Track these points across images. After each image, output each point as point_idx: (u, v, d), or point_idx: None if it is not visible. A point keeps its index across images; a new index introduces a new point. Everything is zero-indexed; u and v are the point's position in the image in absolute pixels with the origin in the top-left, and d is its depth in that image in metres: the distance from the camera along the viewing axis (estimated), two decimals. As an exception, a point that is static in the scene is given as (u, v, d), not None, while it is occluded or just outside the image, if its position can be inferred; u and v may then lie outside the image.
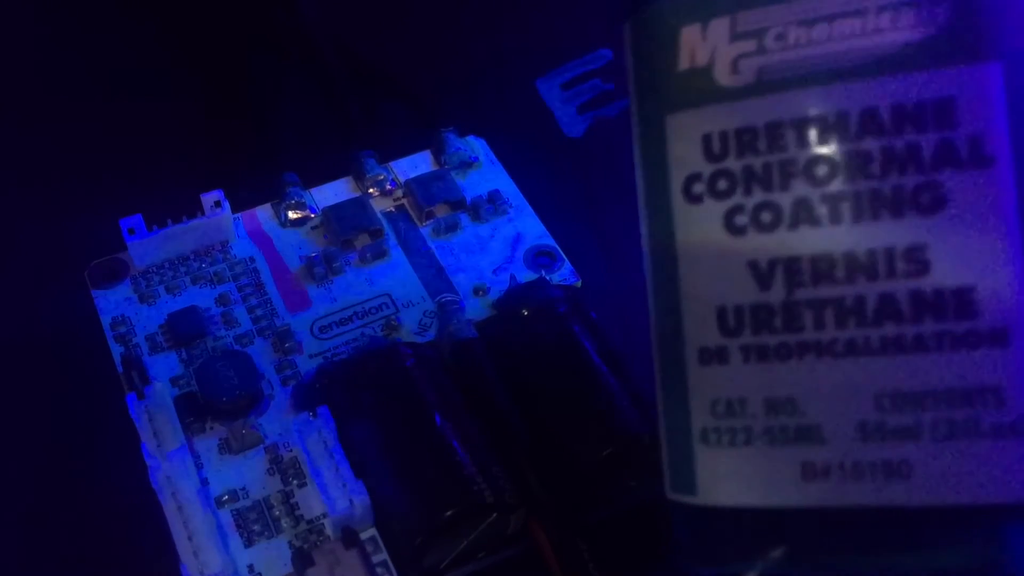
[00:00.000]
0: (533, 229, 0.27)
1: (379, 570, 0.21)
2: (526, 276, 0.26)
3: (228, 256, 0.26)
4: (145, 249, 0.26)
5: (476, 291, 0.26)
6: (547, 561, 0.21)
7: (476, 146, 0.29)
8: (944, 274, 0.15)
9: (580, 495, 0.22)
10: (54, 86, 0.32)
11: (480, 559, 0.22)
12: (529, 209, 0.27)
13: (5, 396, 0.26)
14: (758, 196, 0.16)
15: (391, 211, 0.27)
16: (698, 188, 0.17)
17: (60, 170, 0.30)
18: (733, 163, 0.16)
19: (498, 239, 0.27)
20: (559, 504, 0.21)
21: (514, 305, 0.25)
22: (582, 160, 0.31)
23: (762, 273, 0.16)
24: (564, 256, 0.26)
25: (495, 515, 0.21)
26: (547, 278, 0.26)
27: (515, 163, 0.28)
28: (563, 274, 0.26)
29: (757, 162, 0.16)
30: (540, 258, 0.26)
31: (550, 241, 0.27)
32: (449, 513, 0.21)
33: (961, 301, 0.15)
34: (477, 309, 0.25)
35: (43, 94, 0.32)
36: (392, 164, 0.28)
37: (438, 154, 0.28)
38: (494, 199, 0.27)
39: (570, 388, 0.23)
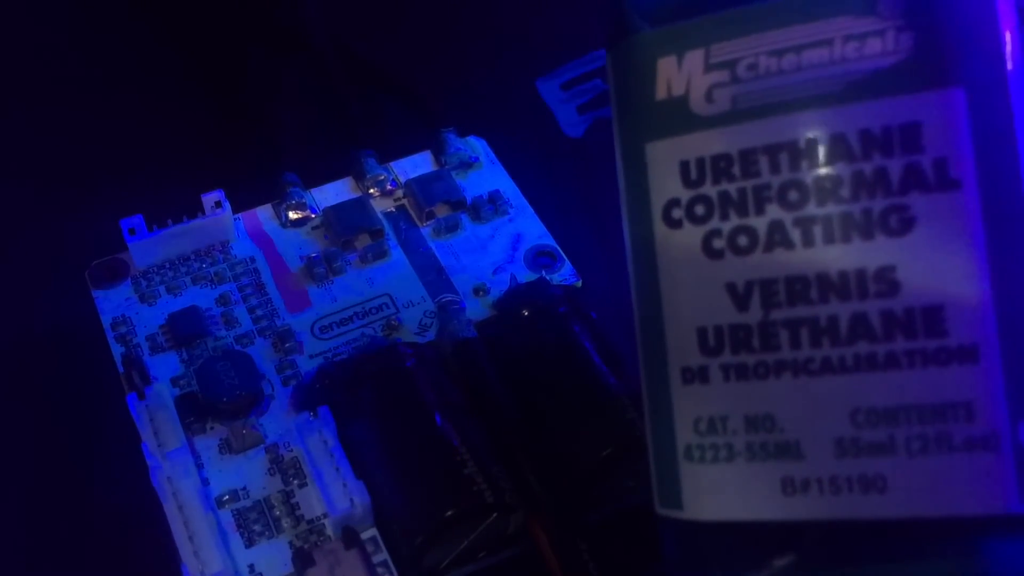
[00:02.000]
0: (533, 229, 0.27)
1: (379, 570, 0.21)
2: (526, 276, 0.26)
3: (229, 256, 0.26)
4: (146, 249, 0.26)
5: (476, 291, 0.26)
6: (547, 561, 0.21)
7: (476, 146, 0.29)
8: (914, 293, 0.16)
9: (580, 495, 0.22)
10: (55, 87, 0.32)
11: (480, 559, 0.22)
12: (529, 209, 0.27)
13: (5, 396, 0.26)
14: (734, 220, 0.17)
15: (391, 211, 0.27)
16: (677, 213, 0.17)
17: (61, 170, 0.30)
18: (710, 189, 0.17)
19: (498, 239, 0.27)
20: (559, 504, 0.21)
21: (514, 305, 0.25)
22: (582, 160, 0.31)
23: (740, 294, 0.17)
24: (564, 256, 0.26)
25: (495, 515, 0.21)
26: (547, 278, 0.26)
27: (515, 163, 0.28)
28: (563, 274, 0.26)
29: (732, 187, 0.17)
30: (540, 258, 0.26)
31: (550, 241, 0.27)
32: (449, 513, 0.21)
33: (931, 319, 0.16)
34: (477, 309, 0.25)
35: (44, 94, 0.32)
36: (392, 164, 0.28)
37: (438, 154, 0.28)
38: (494, 199, 0.27)
39: (570, 388, 0.23)
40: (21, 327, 0.27)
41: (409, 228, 0.27)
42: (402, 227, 0.27)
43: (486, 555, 0.22)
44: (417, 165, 0.28)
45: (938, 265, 0.16)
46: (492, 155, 0.29)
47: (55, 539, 0.23)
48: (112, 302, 0.25)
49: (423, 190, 0.27)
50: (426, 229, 0.27)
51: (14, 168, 0.30)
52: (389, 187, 0.28)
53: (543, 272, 0.26)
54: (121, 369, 0.24)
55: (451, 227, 0.27)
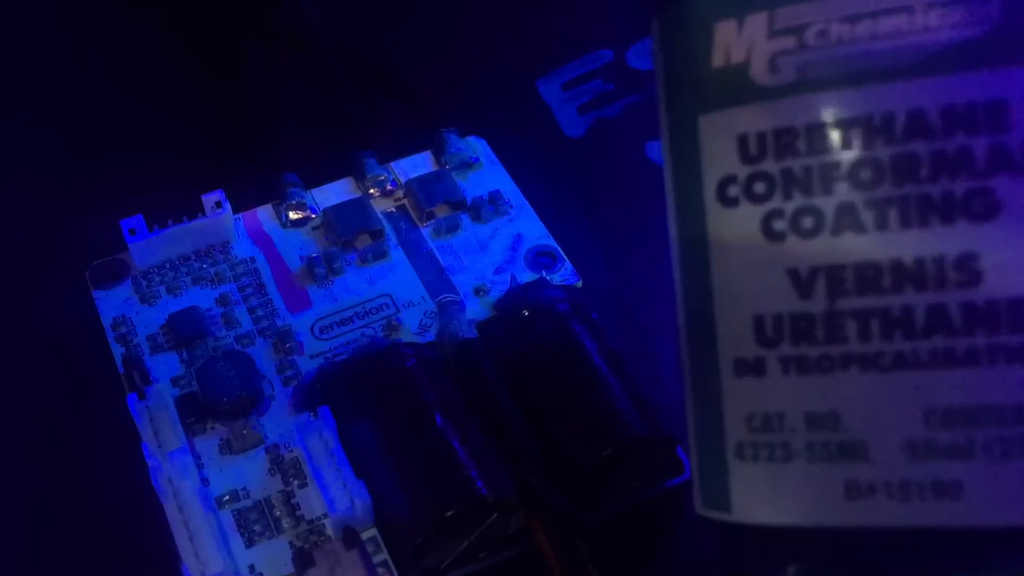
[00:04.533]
0: (534, 229, 0.27)
1: (380, 570, 0.21)
2: (527, 276, 0.26)
3: (229, 256, 0.26)
4: (146, 249, 0.26)
5: (477, 291, 0.26)
6: (547, 561, 0.21)
7: (477, 146, 0.29)
8: (997, 284, 0.14)
9: (580, 495, 0.22)
10: (55, 86, 0.32)
11: (480, 559, 0.22)
12: (530, 209, 0.27)
13: (5, 396, 0.26)
14: (798, 200, 0.15)
15: (392, 211, 0.27)
16: (733, 191, 0.16)
17: (61, 170, 0.30)
18: (771, 165, 0.16)
19: (499, 239, 0.27)
20: (559, 504, 0.21)
21: (515, 305, 0.25)
22: (583, 161, 0.31)
23: (802, 281, 0.15)
24: (565, 256, 0.26)
25: (495, 515, 0.21)
26: (548, 278, 0.26)
27: (516, 163, 0.28)
28: (564, 274, 0.26)
29: (797, 164, 0.15)
30: (541, 258, 0.26)
31: (551, 241, 0.27)
32: (449, 513, 0.21)
33: (1015, 313, 0.14)
34: (478, 309, 0.25)
35: (44, 94, 0.32)
36: (393, 164, 0.28)
37: (439, 154, 0.28)
38: (495, 199, 0.27)
39: (571, 388, 0.23)
40: (21, 327, 0.27)
41: (409, 228, 0.27)
42: (402, 227, 0.27)
43: (486, 555, 0.22)
44: (417, 165, 0.28)
45: None
46: (492, 155, 0.29)
47: (55, 539, 0.23)
48: (112, 302, 0.25)
49: (423, 190, 0.27)
50: (426, 229, 0.27)
51: (14, 168, 0.30)
52: (389, 187, 0.28)
53: (543, 272, 0.26)
54: (121, 369, 0.24)
55: (451, 227, 0.27)
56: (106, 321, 0.25)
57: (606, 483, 0.22)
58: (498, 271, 0.26)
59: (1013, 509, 0.15)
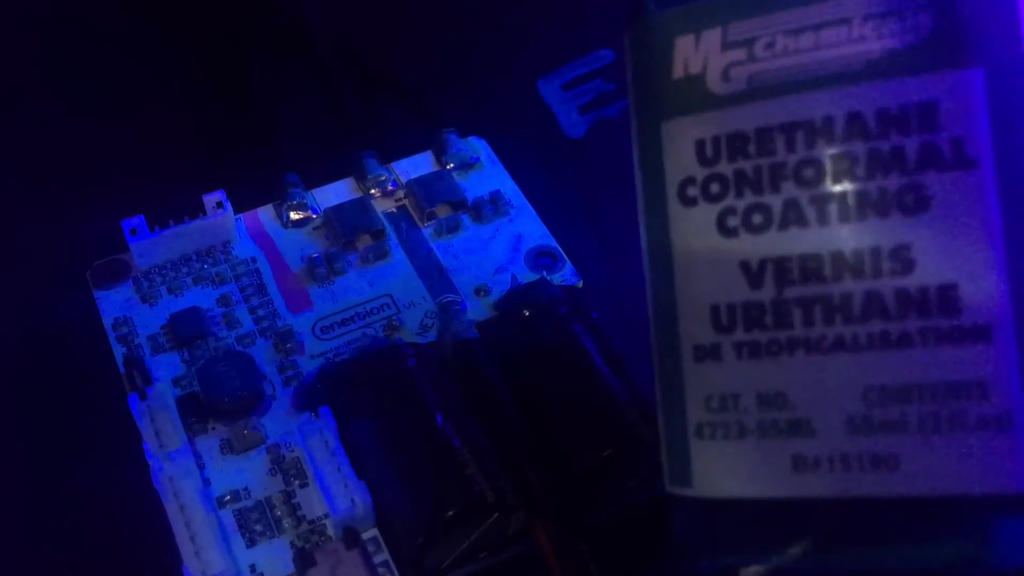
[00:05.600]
0: (534, 230, 0.27)
1: (381, 570, 0.21)
2: (527, 277, 0.26)
3: (230, 257, 0.26)
4: (147, 250, 0.26)
5: (477, 292, 0.26)
6: (548, 561, 0.21)
7: (477, 147, 0.29)
8: (928, 272, 0.16)
9: (581, 495, 0.22)
10: (56, 87, 0.32)
11: (481, 559, 0.22)
12: (530, 210, 0.27)
13: (6, 396, 0.26)
14: (749, 198, 0.17)
15: (392, 212, 0.27)
16: (692, 191, 0.17)
17: (62, 171, 0.30)
18: (725, 167, 0.17)
19: (499, 240, 0.27)
20: (560, 504, 0.22)
21: (515, 306, 0.25)
22: (583, 161, 0.31)
23: (753, 272, 0.17)
24: (565, 257, 0.26)
25: (496, 515, 0.21)
26: (548, 279, 0.26)
27: (516, 164, 0.28)
28: (564, 275, 0.26)
29: (748, 165, 0.17)
30: (541, 259, 0.26)
31: (551, 242, 0.27)
32: (450, 513, 0.21)
33: (945, 298, 0.16)
34: (478, 310, 0.25)
35: (45, 95, 0.32)
36: (393, 165, 0.28)
37: (439, 155, 0.28)
38: (495, 200, 0.27)
39: (571, 388, 0.23)
40: (22, 327, 0.27)
41: (410, 229, 0.27)
42: (403, 227, 0.27)
43: (487, 555, 0.22)
44: (418, 165, 0.28)
45: (953, 244, 0.16)
46: (493, 155, 0.29)
47: (56, 539, 0.23)
48: (113, 302, 0.25)
49: (424, 190, 0.27)
50: (427, 230, 0.27)
51: (16, 168, 0.30)
52: (390, 188, 0.28)
53: (544, 272, 0.26)
54: (122, 369, 0.24)
55: (452, 228, 0.27)
56: (107, 321, 0.25)
57: (606, 483, 0.22)
58: (499, 271, 0.26)
59: (946, 479, 0.16)
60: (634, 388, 0.23)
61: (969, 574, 0.16)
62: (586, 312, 0.24)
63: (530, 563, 0.21)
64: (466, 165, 0.28)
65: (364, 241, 0.27)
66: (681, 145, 0.17)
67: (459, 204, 0.27)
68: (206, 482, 0.22)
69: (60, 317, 0.27)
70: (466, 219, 0.27)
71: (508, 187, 0.28)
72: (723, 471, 0.17)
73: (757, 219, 0.17)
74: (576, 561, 0.21)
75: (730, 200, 0.17)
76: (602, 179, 0.30)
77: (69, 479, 0.24)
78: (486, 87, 0.32)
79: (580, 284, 0.26)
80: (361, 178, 0.28)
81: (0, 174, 0.30)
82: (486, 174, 0.28)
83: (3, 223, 0.29)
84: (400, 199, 0.28)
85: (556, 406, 0.22)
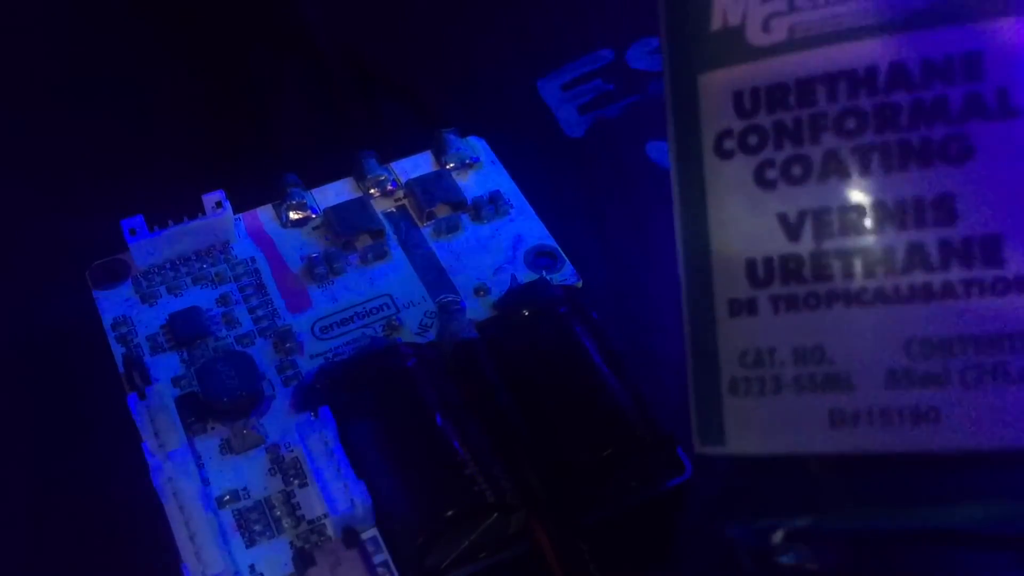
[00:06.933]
0: (534, 229, 0.27)
1: (380, 570, 0.21)
2: (527, 276, 0.26)
3: (229, 256, 0.26)
4: (146, 249, 0.26)
5: (477, 291, 0.26)
6: (548, 561, 0.21)
7: (477, 146, 0.29)
8: (972, 223, 0.15)
9: (581, 495, 0.22)
10: (55, 87, 0.32)
11: (481, 559, 0.22)
12: (530, 209, 0.27)
13: (5, 396, 0.26)
14: (788, 150, 0.16)
15: (392, 211, 0.27)
16: (729, 144, 0.17)
17: (61, 170, 0.30)
18: (764, 119, 0.17)
19: (499, 239, 0.27)
20: (560, 504, 0.21)
21: (515, 305, 0.25)
22: (583, 161, 0.31)
23: (791, 224, 0.16)
24: (565, 256, 0.26)
25: (496, 515, 0.21)
26: (548, 278, 0.26)
27: (516, 164, 0.28)
28: (564, 274, 0.26)
29: (788, 117, 0.16)
30: (541, 258, 0.26)
31: (551, 241, 0.27)
32: (450, 513, 0.21)
33: (989, 249, 0.15)
34: (478, 309, 0.25)
35: (44, 94, 0.32)
36: (393, 164, 0.28)
37: (439, 154, 0.28)
38: (495, 200, 0.27)
39: (571, 388, 0.23)
40: (21, 327, 0.27)
41: (410, 228, 0.27)
42: (403, 227, 0.27)
43: (487, 555, 0.22)
44: (418, 165, 0.28)
45: (997, 194, 0.15)
46: (493, 155, 0.29)
47: (55, 539, 0.23)
48: (113, 302, 0.25)
49: (424, 190, 0.27)
50: (426, 229, 0.27)
51: (14, 168, 0.30)
52: (390, 187, 0.28)
53: (543, 272, 0.26)
54: (122, 369, 0.24)
55: (452, 227, 0.27)
56: (106, 321, 0.25)
57: (606, 483, 0.22)
58: (498, 271, 0.26)
59: (987, 433, 0.15)
60: (634, 388, 0.23)
61: (1013, 530, 0.16)
62: (586, 312, 0.24)
63: (530, 563, 0.21)
64: (466, 165, 0.28)
65: (363, 241, 0.27)
66: (718, 98, 0.17)
67: (458, 204, 0.27)
68: (205, 482, 0.22)
69: (59, 317, 0.27)
70: (465, 219, 0.27)
71: (507, 187, 0.28)
72: (757, 427, 0.17)
73: (796, 171, 0.16)
74: (576, 561, 0.21)
75: (768, 152, 0.17)
76: (602, 179, 0.30)
77: (67, 479, 0.24)
78: (486, 87, 0.32)
79: (580, 284, 0.26)
80: (360, 178, 0.28)
81: (0, 174, 0.30)
82: (485, 174, 0.28)
83: (3, 223, 0.29)
84: (399, 199, 0.28)
85: (555, 406, 0.22)
